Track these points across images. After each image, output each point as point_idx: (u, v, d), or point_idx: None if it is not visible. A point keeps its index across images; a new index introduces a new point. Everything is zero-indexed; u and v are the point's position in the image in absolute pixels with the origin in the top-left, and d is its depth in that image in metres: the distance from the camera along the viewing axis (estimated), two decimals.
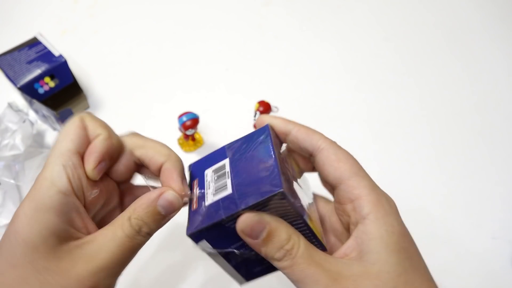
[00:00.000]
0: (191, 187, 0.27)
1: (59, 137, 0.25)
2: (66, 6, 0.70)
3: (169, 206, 0.24)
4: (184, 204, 0.26)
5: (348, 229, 0.25)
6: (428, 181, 0.50)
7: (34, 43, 0.52)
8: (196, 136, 0.52)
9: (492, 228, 0.47)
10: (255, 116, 0.50)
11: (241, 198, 0.23)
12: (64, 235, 0.23)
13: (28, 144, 0.48)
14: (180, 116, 0.48)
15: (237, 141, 0.28)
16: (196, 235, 0.24)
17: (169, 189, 0.25)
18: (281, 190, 0.22)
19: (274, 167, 0.23)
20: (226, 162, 0.26)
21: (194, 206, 0.26)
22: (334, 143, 0.26)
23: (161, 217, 0.24)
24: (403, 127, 0.55)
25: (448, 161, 0.52)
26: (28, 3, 0.70)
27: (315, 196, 0.29)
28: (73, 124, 0.25)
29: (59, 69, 0.50)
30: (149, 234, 0.24)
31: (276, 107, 0.51)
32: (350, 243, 0.23)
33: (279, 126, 0.27)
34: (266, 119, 0.28)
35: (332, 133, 0.59)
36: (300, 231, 0.24)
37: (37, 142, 0.53)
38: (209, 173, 0.27)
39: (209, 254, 0.26)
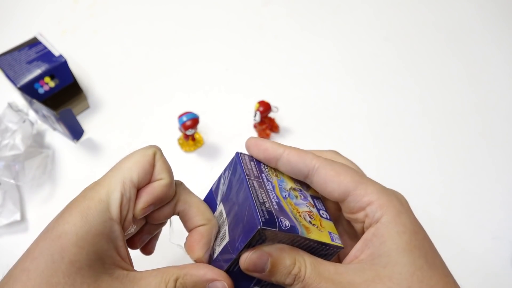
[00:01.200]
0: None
1: (127, 161, 0.25)
2: (66, 6, 0.70)
3: None
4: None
5: (362, 233, 0.24)
6: (428, 181, 0.50)
7: (34, 43, 0.52)
8: (196, 136, 0.52)
9: (492, 228, 0.47)
10: (255, 116, 0.50)
11: (232, 245, 0.24)
12: (109, 262, 0.23)
13: (28, 144, 0.48)
14: (180, 116, 0.48)
15: (218, 179, 0.29)
16: None
17: (224, 278, 0.25)
18: (258, 228, 0.22)
19: (249, 203, 0.23)
20: (221, 207, 0.27)
21: (213, 257, 0.27)
22: (327, 159, 0.25)
23: None
24: (403, 127, 0.55)
25: (448, 161, 0.52)
26: (28, 3, 0.70)
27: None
28: (144, 156, 0.25)
29: (59, 69, 0.50)
30: None
31: (276, 107, 0.51)
32: (360, 245, 0.23)
33: (268, 152, 0.26)
34: (252, 144, 0.27)
35: (332, 133, 0.59)
36: (304, 248, 0.24)
37: (37, 142, 0.53)
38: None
39: None
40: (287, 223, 0.23)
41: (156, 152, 0.26)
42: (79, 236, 0.22)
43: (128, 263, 0.24)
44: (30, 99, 0.49)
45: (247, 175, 0.25)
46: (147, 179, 0.25)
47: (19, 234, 0.46)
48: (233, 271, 0.25)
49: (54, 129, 0.54)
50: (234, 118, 0.56)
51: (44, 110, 0.48)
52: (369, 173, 0.48)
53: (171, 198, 0.27)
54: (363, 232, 0.24)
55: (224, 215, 0.26)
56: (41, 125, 0.54)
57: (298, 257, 0.23)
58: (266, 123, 0.52)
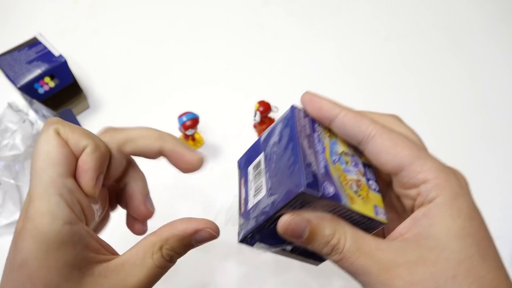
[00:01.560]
0: (239, 186, 0.27)
1: (38, 158, 0.22)
2: (66, 6, 0.70)
3: (204, 241, 0.24)
4: None
5: (412, 211, 0.23)
6: None
7: (34, 43, 0.52)
8: (196, 136, 0.52)
9: (492, 228, 0.47)
10: (255, 116, 0.50)
11: (270, 201, 0.23)
12: (85, 264, 0.21)
13: (28, 144, 0.48)
14: (180, 116, 0.48)
15: (270, 129, 0.27)
16: (246, 241, 0.24)
17: (206, 225, 0.24)
18: (301, 190, 0.21)
19: (295, 163, 0.22)
20: (262, 157, 0.26)
21: (242, 208, 0.25)
22: (385, 127, 0.23)
23: (193, 247, 0.24)
24: None
25: (448, 161, 0.52)
26: (28, 3, 0.70)
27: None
28: (50, 141, 0.22)
29: (59, 69, 0.50)
30: (176, 260, 0.24)
31: (276, 107, 0.51)
32: (408, 223, 0.22)
33: (323, 110, 0.24)
34: (307, 100, 0.25)
35: None
36: (346, 218, 0.23)
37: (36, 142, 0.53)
38: (250, 170, 0.26)
39: (270, 251, 0.25)
40: (332, 189, 0.22)
41: (57, 128, 0.22)
42: (40, 258, 0.20)
43: (105, 252, 0.23)
44: (30, 99, 0.49)
45: (299, 132, 0.24)
46: (73, 160, 0.22)
47: None
48: (268, 228, 0.23)
49: None
50: (234, 118, 0.56)
51: (44, 110, 0.48)
52: None
53: (109, 153, 0.25)
54: (413, 210, 0.22)
55: (262, 166, 0.25)
56: (41, 125, 0.54)
57: (339, 228, 0.22)
58: (266, 123, 0.52)
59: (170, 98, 0.58)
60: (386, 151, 0.23)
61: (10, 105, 0.50)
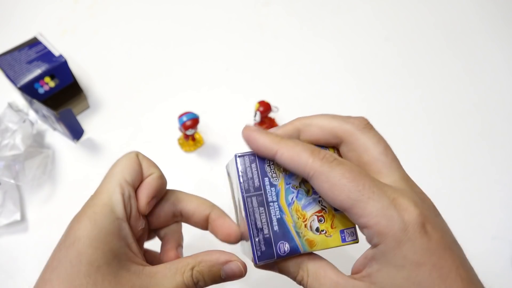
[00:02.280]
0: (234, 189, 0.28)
1: (116, 166, 0.27)
2: (66, 6, 0.70)
3: (231, 275, 0.26)
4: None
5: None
6: (428, 181, 0.50)
7: (34, 43, 0.52)
8: (196, 136, 0.52)
9: (492, 228, 0.47)
10: (255, 116, 0.50)
11: (249, 250, 0.26)
12: (124, 258, 0.24)
13: (28, 144, 0.48)
14: (180, 116, 0.48)
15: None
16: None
17: (237, 259, 0.26)
18: (256, 265, 0.24)
19: (249, 235, 0.25)
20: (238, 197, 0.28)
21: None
22: (324, 165, 0.22)
23: (219, 280, 0.26)
24: (403, 127, 0.55)
25: (449, 161, 0.52)
26: (28, 3, 0.70)
27: None
28: (130, 158, 0.28)
29: (59, 69, 0.50)
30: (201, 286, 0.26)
31: (276, 107, 0.51)
32: (361, 260, 0.23)
33: (262, 150, 0.24)
34: (247, 138, 0.25)
35: None
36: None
37: (37, 142, 0.53)
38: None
39: None
40: (286, 247, 0.24)
41: (138, 154, 0.28)
42: (91, 238, 0.23)
43: (141, 259, 0.25)
44: (30, 99, 0.49)
45: (246, 191, 0.25)
46: (139, 178, 0.27)
47: (19, 234, 0.46)
48: None
49: (54, 129, 0.54)
50: (234, 118, 0.56)
51: (44, 110, 0.48)
52: None
53: (165, 191, 0.29)
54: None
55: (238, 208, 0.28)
56: (41, 125, 0.54)
57: (302, 266, 0.24)
58: (266, 123, 0.52)
59: (170, 98, 0.58)
60: (325, 194, 0.22)
61: (10, 105, 0.50)
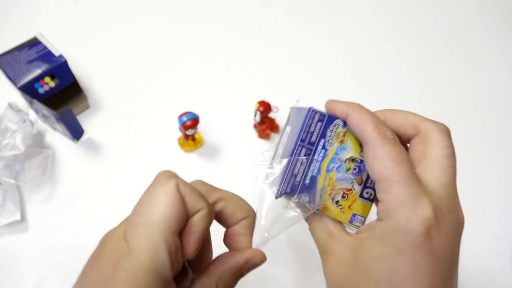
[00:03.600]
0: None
1: (156, 208, 0.21)
2: (66, 6, 0.70)
3: (253, 268, 0.25)
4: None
5: None
6: None
7: (34, 43, 0.52)
8: (196, 136, 0.52)
9: (492, 228, 0.47)
10: (255, 116, 0.50)
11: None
12: None
13: (28, 144, 0.48)
14: (180, 116, 0.48)
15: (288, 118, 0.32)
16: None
17: (255, 253, 0.25)
18: (276, 196, 0.27)
19: (283, 172, 0.27)
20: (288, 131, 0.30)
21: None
22: (380, 136, 0.24)
23: (243, 276, 0.25)
24: None
25: None
26: (28, 3, 0.70)
27: None
28: (171, 195, 0.22)
29: (59, 69, 0.50)
30: None
31: (276, 107, 0.51)
32: (364, 227, 0.25)
33: (338, 110, 0.27)
34: (327, 106, 0.28)
35: None
36: None
37: (37, 142, 0.53)
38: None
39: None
40: (307, 199, 0.27)
41: (178, 183, 0.23)
42: None
43: None
44: (30, 99, 0.49)
45: (302, 140, 0.27)
46: (184, 220, 0.22)
47: (19, 234, 0.46)
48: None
49: (54, 129, 0.54)
50: (234, 118, 0.56)
51: (44, 110, 0.48)
52: None
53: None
54: None
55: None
56: (41, 125, 0.54)
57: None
58: (266, 123, 0.52)
59: (170, 98, 0.58)
60: (367, 161, 0.25)
61: (10, 105, 0.50)
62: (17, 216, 0.46)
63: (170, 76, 0.61)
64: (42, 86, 0.49)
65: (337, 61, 0.63)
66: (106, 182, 0.50)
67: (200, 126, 0.50)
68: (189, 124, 0.48)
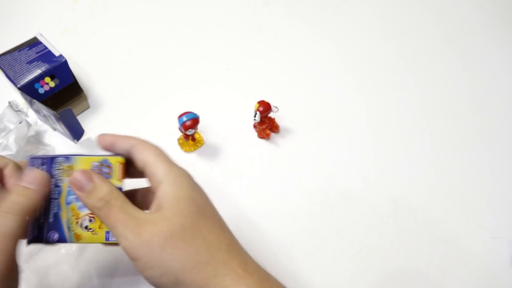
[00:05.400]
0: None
1: None
2: (66, 6, 0.70)
3: None
4: None
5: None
6: (428, 181, 0.50)
7: (34, 43, 0.52)
8: (196, 136, 0.52)
9: (491, 228, 0.47)
10: (255, 116, 0.50)
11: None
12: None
13: (21, 145, 0.48)
14: (180, 116, 0.48)
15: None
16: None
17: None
18: (26, 245, 0.30)
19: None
20: None
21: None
22: (140, 143, 0.32)
23: None
24: (403, 126, 0.55)
25: (448, 160, 0.52)
26: (28, 3, 0.70)
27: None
28: None
29: (59, 69, 0.50)
30: None
31: (276, 107, 0.51)
32: (153, 204, 0.29)
33: (104, 143, 0.33)
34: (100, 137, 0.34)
35: (332, 133, 0.59)
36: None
37: (36, 140, 0.53)
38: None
39: None
40: (56, 236, 0.30)
41: None
42: None
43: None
44: (30, 99, 0.49)
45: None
46: None
47: None
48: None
49: (54, 129, 0.54)
50: (234, 118, 0.56)
51: (45, 110, 0.48)
52: (368, 173, 0.49)
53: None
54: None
55: None
56: (41, 125, 0.54)
57: (114, 191, 0.30)
58: (266, 123, 0.52)
59: (170, 98, 0.58)
60: (137, 152, 0.31)
61: (10, 104, 0.50)
62: None
63: (170, 76, 0.61)
64: (42, 86, 0.49)
65: (336, 60, 0.63)
66: None
67: (200, 126, 0.50)
68: (189, 124, 0.48)
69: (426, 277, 0.43)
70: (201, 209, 0.29)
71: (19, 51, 0.51)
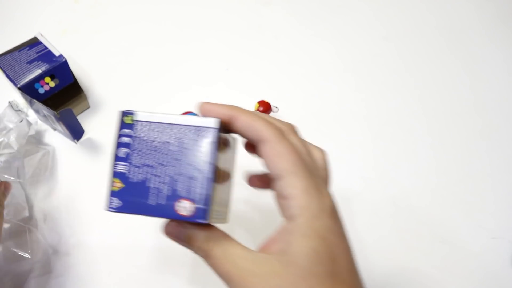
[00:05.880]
0: None
1: None
2: (67, 6, 0.70)
3: None
4: None
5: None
6: (428, 181, 0.50)
7: (34, 43, 0.52)
8: None
9: (492, 228, 0.47)
10: None
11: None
12: None
13: (21, 144, 0.48)
14: None
15: None
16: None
17: None
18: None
19: None
20: None
21: None
22: (277, 134, 0.24)
23: None
24: (403, 126, 0.55)
25: (448, 160, 0.52)
26: (28, 3, 0.70)
27: None
28: None
29: (60, 69, 0.50)
30: None
31: (276, 107, 0.51)
32: (274, 236, 0.24)
33: (221, 115, 0.26)
34: (204, 105, 0.27)
35: (332, 133, 0.59)
36: None
37: (37, 141, 0.53)
38: None
39: None
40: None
41: None
42: None
43: None
44: (30, 99, 0.49)
45: None
46: None
47: None
48: None
49: (54, 129, 0.54)
50: None
51: (45, 110, 0.48)
52: (368, 173, 0.49)
53: None
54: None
55: None
56: (41, 125, 0.55)
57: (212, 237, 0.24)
58: None
59: (170, 98, 0.58)
60: (269, 159, 0.24)
61: (10, 104, 0.50)
62: (26, 213, 0.46)
63: (170, 76, 0.61)
64: (42, 86, 0.50)
65: (336, 60, 0.63)
66: (106, 182, 0.50)
67: None
68: None
69: (426, 277, 0.43)
70: (329, 268, 0.22)
71: (19, 51, 0.51)
